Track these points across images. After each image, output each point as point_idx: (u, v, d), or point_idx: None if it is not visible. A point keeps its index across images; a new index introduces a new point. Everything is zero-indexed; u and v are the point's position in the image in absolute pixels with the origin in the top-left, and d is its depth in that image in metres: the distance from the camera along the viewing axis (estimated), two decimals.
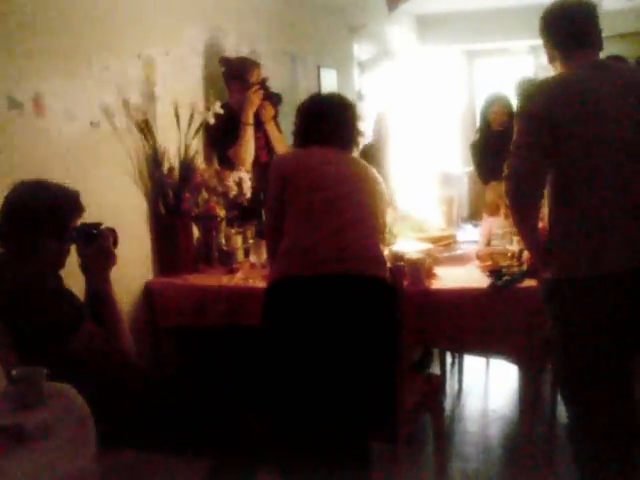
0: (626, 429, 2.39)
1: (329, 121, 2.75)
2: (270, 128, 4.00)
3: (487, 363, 4.40)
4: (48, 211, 2.21)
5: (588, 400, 2.41)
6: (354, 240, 2.53)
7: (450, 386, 4.21)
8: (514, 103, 5.24)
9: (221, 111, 3.62)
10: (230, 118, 3.79)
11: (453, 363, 4.35)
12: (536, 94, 2.40)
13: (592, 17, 2.45)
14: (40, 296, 2.12)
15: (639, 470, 2.40)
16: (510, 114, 5.12)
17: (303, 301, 2.48)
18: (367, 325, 2.46)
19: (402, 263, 2.87)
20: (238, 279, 3.27)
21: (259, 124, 3.95)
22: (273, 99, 3.97)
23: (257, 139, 3.92)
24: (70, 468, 1.54)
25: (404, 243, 3.44)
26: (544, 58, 2.59)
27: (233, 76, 3.93)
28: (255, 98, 3.84)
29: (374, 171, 2.80)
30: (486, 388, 4.28)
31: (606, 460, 2.37)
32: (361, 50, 7.02)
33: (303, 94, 5.33)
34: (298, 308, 2.49)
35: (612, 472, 2.36)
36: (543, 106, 2.32)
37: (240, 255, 3.60)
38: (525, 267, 2.90)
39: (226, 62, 3.96)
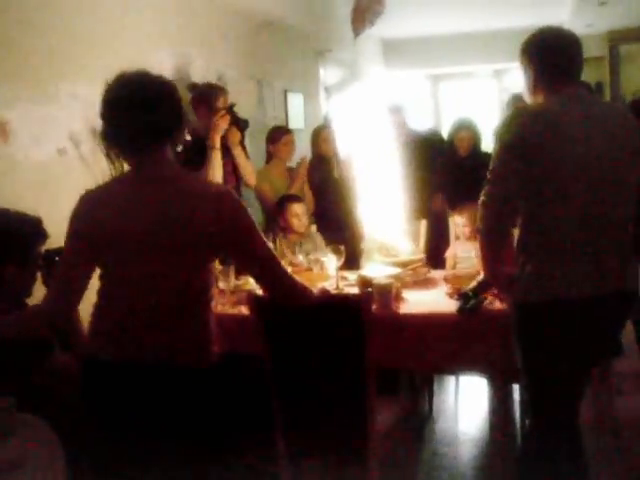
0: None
1: (136, 118, 2.02)
2: (237, 153, 4.03)
3: (457, 384, 4.42)
4: (8, 238, 2.19)
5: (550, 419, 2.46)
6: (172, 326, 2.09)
7: (420, 408, 4.21)
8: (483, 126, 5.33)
9: (188, 137, 3.62)
10: (197, 142, 3.80)
11: (423, 385, 4.36)
12: (512, 124, 2.43)
13: (579, 51, 2.45)
14: None
15: None
16: (476, 140, 5.21)
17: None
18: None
19: (370, 288, 2.89)
20: None
21: (226, 149, 3.96)
22: (240, 124, 3.99)
23: (225, 164, 3.94)
24: None
25: (373, 267, 3.46)
26: (507, 82, 2.61)
27: (200, 101, 3.95)
28: (222, 122, 3.85)
29: (211, 188, 2.12)
30: (456, 409, 4.30)
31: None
32: (327, 74, 7.08)
33: (270, 119, 5.39)
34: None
35: None
36: (518, 135, 2.35)
37: None
38: (480, 278, 2.90)
39: (194, 88, 3.98)
